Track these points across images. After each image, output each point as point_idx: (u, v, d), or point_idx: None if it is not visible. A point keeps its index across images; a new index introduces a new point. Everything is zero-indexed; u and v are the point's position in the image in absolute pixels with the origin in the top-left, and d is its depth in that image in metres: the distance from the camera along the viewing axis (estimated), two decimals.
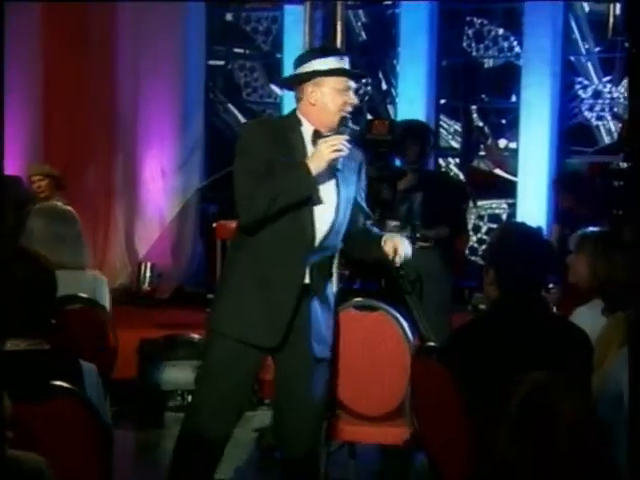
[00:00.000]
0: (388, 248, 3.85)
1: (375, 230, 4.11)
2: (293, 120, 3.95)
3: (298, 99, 3.95)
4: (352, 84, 3.91)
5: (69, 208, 4.72)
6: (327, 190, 3.88)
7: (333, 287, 4.11)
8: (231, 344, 3.90)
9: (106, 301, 4.51)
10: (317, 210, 3.85)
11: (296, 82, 3.96)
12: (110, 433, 3.00)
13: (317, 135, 3.87)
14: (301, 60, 3.99)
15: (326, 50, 4.09)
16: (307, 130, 3.92)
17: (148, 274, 10.11)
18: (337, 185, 3.90)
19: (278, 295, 3.85)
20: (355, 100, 3.91)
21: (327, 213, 3.87)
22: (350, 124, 3.91)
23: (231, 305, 3.95)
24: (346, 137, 3.81)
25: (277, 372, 4.01)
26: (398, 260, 3.85)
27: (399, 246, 3.85)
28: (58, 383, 2.74)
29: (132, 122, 10.41)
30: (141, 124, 10.34)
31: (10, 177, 8.39)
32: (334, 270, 4.17)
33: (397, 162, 6.25)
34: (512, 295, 3.43)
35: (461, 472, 3.25)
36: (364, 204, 4.10)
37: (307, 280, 3.86)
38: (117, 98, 10.43)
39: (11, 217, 6.44)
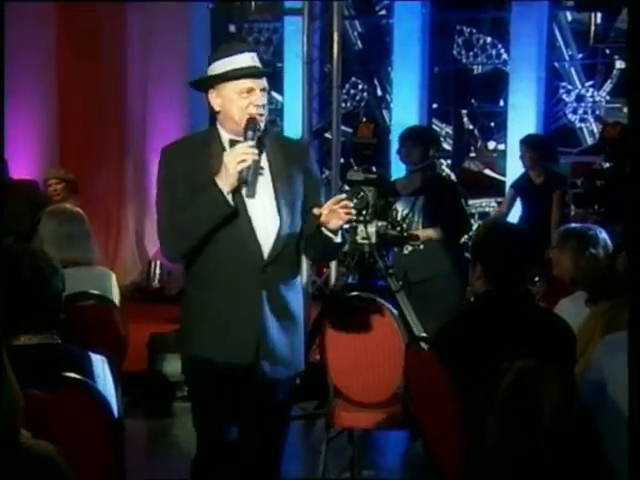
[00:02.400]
0: (327, 214, 3.31)
1: None
2: (212, 132, 3.49)
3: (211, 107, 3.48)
4: (258, 83, 3.37)
5: (78, 209, 4.74)
6: (263, 196, 3.37)
7: (299, 298, 3.52)
8: (210, 381, 3.46)
9: (115, 296, 4.52)
10: (257, 221, 3.36)
11: (202, 90, 3.49)
12: (121, 422, 2.99)
13: (234, 143, 3.38)
14: (208, 63, 3.48)
15: (227, 50, 3.45)
16: (226, 139, 3.43)
17: (158, 272, 10.11)
18: (274, 187, 3.40)
19: (237, 328, 3.38)
20: (262, 100, 3.37)
21: (269, 220, 3.37)
22: (259, 127, 3.36)
23: (196, 341, 3.49)
24: (250, 143, 3.30)
25: (234, 395, 3.50)
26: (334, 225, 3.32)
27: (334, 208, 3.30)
28: (69, 374, 2.74)
29: (141, 128, 10.42)
30: (150, 130, 10.33)
31: (27, 181, 8.38)
32: (298, 279, 3.54)
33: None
34: (498, 288, 3.43)
35: (455, 455, 3.25)
36: (318, 198, 3.53)
37: (266, 306, 3.36)
38: (127, 106, 10.44)
39: (28, 219, 6.45)
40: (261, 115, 3.36)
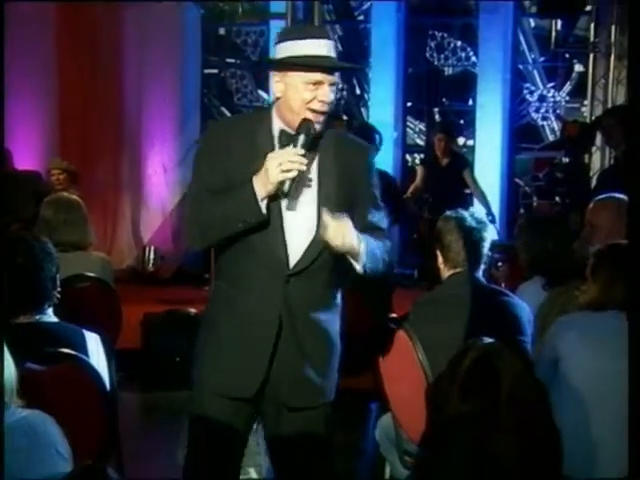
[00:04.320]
0: (332, 232, 2.65)
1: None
2: (265, 114, 2.82)
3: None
4: (328, 77, 2.71)
5: (75, 197, 4.71)
6: (304, 202, 2.75)
7: (337, 319, 2.87)
8: (213, 397, 2.81)
9: (110, 279, 4.51)
10: (290, 228, 2.74)
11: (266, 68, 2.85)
12: (114, 394, 3.00)
13: (284, 136, 2.76)
14: (278, 38, 2.83)
15: (301, 31, 2.80)
16: (276, 128, 2.79)
17: (152, 256, 10.07)
18: (319, 195, 2.75)
19: (251, 336, 2.75)
20: (330, 97, 2.72)
21: (305, 230, 2.74)
22: (313, 130, 2.70)
23: (209, 351, 2.84)
24: (300, 151, 2.65)
25: (264, 428, 2.94)
26: (341, 247, 2.68)
27: (344, 230, 2.65)
28: (64, 350, 2.76)
29: (137, 123, 10.37)
30: (145, 125, 10.29)
31: (31, 172, 8.36)
32: (338, 298, 2.88)
33: None
34: (458, 272, 3.45)
35: (419, 425, 3.26)
36: (370, 213, 2.85)
37: (285, 322, 2.74)
38: (123, 102, 10.38)
39: (32, 208, 6.42)
40: (323, 113, 2.72)
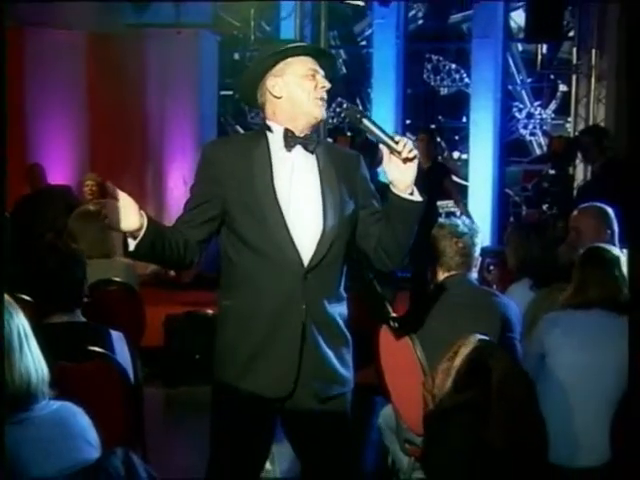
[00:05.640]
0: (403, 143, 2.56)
1: None
2: (260, 131, 2.67)
3: (262, 106, 2.65)
4: (318, 68, 2.61)
5: (95, 209, 4.71)
6: (308, 198, 2.59)
7: (344, 310, 2.68)
8: (243, 402, 2.60)
9: (135, 283, 4.52)
10: (298, 224, 2.57)
11: (254, 84, 2.64)
12: (139, 389, 3.01)
13: (289, 136, 2.61)
14: (262, 60, 2.67)
15: (282, 42, 2.73)
16: (277, 134, 2.62)
17: None
18: (322, 192, 2.60)
19: (279, 337, 2.56)
20: (327, 83, 2.60)
21: (311, 225, 2.58)
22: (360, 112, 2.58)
23: (231, 361, 2.61)
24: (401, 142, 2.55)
25: (285, 429, 2.70)
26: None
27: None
28: (92, 348, 2.77)
29: (159, 140, 10.39)
30: (166, 142, 10.31)
31: (62, 186, 8.40)
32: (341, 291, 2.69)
33: None
34: (454, 275, 3.45)
35: (418, 415, 3.27)
36: (374, 204, 2.70)
37: (303, 317, 2.54)
38: (147, 121, 10.40)
39: (62, 219, 6.44)
40: (325, 99, 2.62)
